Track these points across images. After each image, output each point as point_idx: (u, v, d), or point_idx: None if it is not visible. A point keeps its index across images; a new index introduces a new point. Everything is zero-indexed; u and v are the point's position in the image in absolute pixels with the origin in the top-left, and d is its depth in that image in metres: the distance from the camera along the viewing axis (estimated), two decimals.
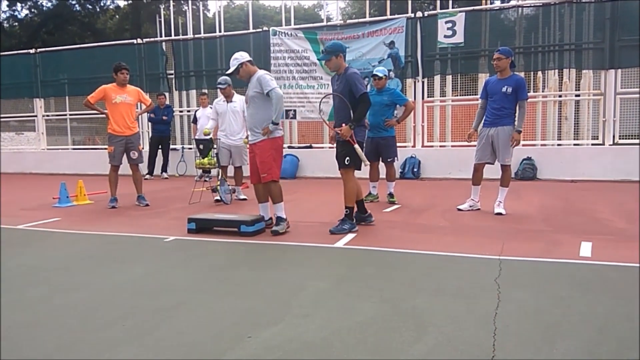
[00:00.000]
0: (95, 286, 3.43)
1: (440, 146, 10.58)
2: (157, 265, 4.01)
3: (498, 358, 2.22)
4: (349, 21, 11.38)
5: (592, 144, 9.63)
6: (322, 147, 11.32)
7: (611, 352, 2.28)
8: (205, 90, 11.26)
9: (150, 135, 11.89)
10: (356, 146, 4.94)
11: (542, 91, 11.02)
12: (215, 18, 14.53)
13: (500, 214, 5.79)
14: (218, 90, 7.55)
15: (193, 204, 7.13)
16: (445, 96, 10.71)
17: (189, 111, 12.34)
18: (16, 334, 2.62)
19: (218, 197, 7.15)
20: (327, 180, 10.15)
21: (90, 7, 31.23)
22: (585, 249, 4.15)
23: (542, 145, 10.26)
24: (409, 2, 11.56)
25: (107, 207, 6.88)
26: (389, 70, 9.77)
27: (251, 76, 5.00)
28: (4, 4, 28.27)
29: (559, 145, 10.35)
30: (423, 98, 10.27)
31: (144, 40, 12.73)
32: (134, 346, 2.45)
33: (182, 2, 24.78)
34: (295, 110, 10.94)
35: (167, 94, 12.01)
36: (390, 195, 6.93)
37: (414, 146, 10.38)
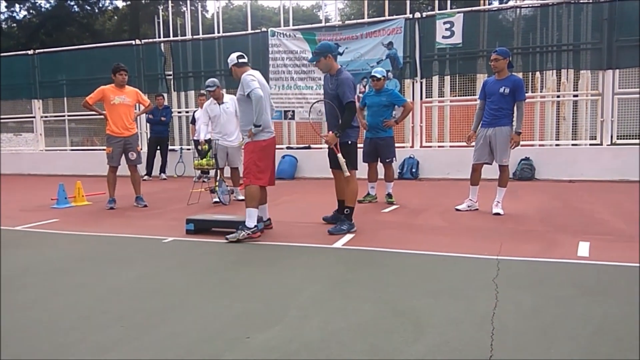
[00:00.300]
0: (93, 287, 3.43)
1: (439, 146, 10.59)
2: (156, 266, 4.01)
3: (496, 358, 2.23)
4: (347, 22, 11.39)
5: (590, 144, 9.65)
6: (321, 148, 11.30)
7: (609, 353, 2.28)
8: (204, 91, 11.25)
9: (148, 136, 11.87)
10: (339, 155, 5.00)
11: (541, 91, 11.04)
12: (214, 19, 14.54)
13: (498, 214, 5.80)
14: (207, 93, 7.51)
15: (191, 204, 7.13)
16: (443, 97, 10.72)
17: (187, 112, 12.34)
18: (14, 335, 2.62)
19: (217, 199, 7.15)
20: (326, 181, 10.13)
21: (88, 8, 31.24)
22: (583, 249, 4.15)
23: (540, 145, 10.27)
24: (407, 3, 11.59)
25: (106, 208, 6.88)
26: (388, 71, 9.78)
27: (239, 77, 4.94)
28: (2, 5, 28.26)
29: (557, 145, 10.37)
30: (421, 99, 10.28)
31: (143, 41, 12.72)
32: (132, 347, 2.45)
33: (181, 3, 24.75)
34: (293, 111, 10.95)
35: (165, 95, 12.00)
36: (389, 195, 6.94)
37: (412, 147, 10.39)
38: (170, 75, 12.28)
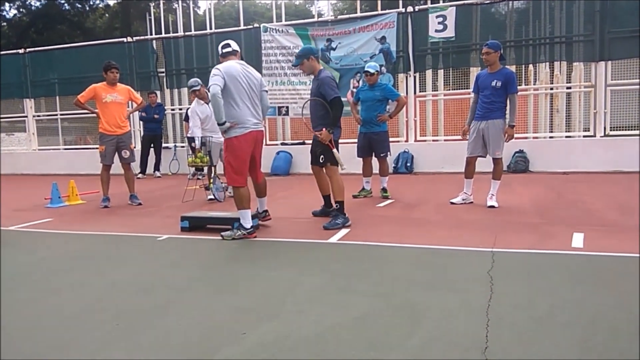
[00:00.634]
0: (88, 286, 3.42)
1: (433, 140, 10.61)
2: (151, 263, 4.00)
3: (491, 350, 2.24)
4: (340, 17, 11.38)
5: (584, 136, 9.69)
6: None
7: (604, 342, 2.30)
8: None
9: (142, 134, 11.82)
10: (334, 150, 5.13)
11: (534, 84, 11.06)
12: (206, 15, 14.47)
13: (492, 206, 5.82)
14: (191, 94, 7.43)
15: (186, 202, 7.11)
16: (437, 90, 10.72)
17: (180, 109, 12.28)
18: (10, 335, 2.60)
19: (211, 196, 7.13)
20: None
21: (79, 6, 30.98)
22: (577, 240, 4.18)
23: (534, 137, 10.31)
24: None
25: (100, 207, 6.85)
26: (381, 66, 9.77)
27: None
28: None
29: (550, 137, 10.41)
30: (415, 93, 10.28)
31: (134, 38, 12.64)
32: (127, 345, 2.44)
33: None
34: (287, 107, 10.92)
35: (158, 92, 11.95)
36: (384, 190, 6.94)
37: (406, 141, 10.39)
38: (162, 72, 12.21)
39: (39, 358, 2.35)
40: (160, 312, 2.87)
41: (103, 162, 6.90)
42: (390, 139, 7.18)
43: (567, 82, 10.65)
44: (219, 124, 4.62)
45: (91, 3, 31.35)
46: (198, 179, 7.42)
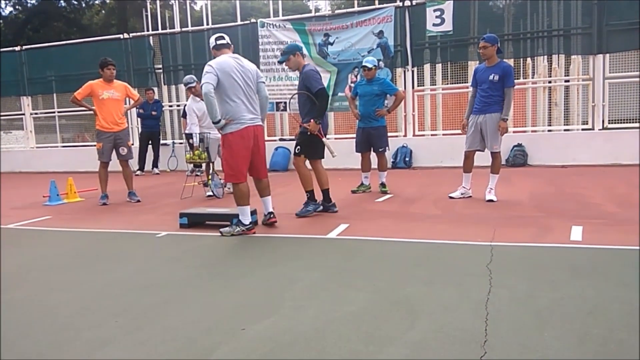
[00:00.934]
0: (87, 284, 3.41)
1: (432, 135, 10.60)
2: (150, 260, 4.00)
3: (490, 343, 2.24)
4: (337, 11, 11.31)
5: (582, 129, 9.69)
6: None
7: (603, 334, 2.30)
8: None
9: (140, 130, 11.80)
10: (325, 139, 5.37)
11: (532, 77, 11.04)
12: (203, 11, 14.40)
13: (491, 200, 5.82)
14: (187, 90, 7.39)
15: (185, 198, 7.11)
16: (435, 85, 10.71)
17: (178, 106, 12.24)
18: (9, 333, 2.60)
19: (210, 192, 7.12)
20: None
21: (75, 2, 30.84)
22: (576, 233, 4.18)
23: (532, 131, 10.30)
24: None
25: (98, 204, 6.84)
26: (379, 60, 9.74)
27: None
28: None
29: (549, 131, 10.40)
30: (413, 87, 10.26)
31: (131, 35, 12.60)
32: (127, 342, 2.44)
33: None
34: (285, 103, 10.89)
35: (155, 89, 11.92)
36: (383, 185, 6.94)
37: (405, 135, 10.38)
38: (159, 68, 12.17)
39: (38, 357, 2.34)
40: (160, 308, 2.87)
41: (101, 159, 6.89)
42: (389, 134, 7.18)
43: (565, 75, 10.64)
44: (213, 122, 4.58)
45: (87, 0, 31.22)
46: (196, 175, 7.41)
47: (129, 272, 3.69)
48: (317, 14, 11.45)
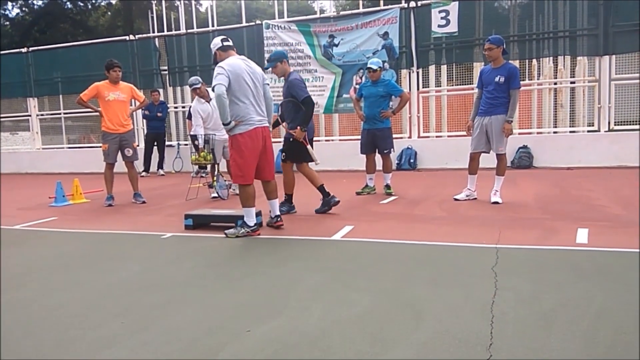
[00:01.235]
0: (93, 284, 3.43)
1: (437, 136, 10.57)
2: (155, 262, 4.01)
3: (496, 345, 2.23)
4: (342, 13, 11.33)
5: (588, 131, 9.64)
6: (318, 140, 11.30)
7: (608, 338, 2.29)
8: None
9: (145, 132, 11.84)
10: (308, 147, 5.54)
11: (537, 79, 10.99)
12: (208, 12, 14.43)
13: (496, 202, 5.80)
14: (192, 92, 7.39)
15: (190, 200, 7.12)
16: (440, 86, 10.68)
17: (183, 107, 12.28)
18: (14, 333, 2.62)
19: (215, 194, 7.13)
20: (323, 173, 10.09)
21: (81, 4, 31.00)
22: (582, 235, 4.16)
23: (538, 133, 10.25)
24: None
25: (104, 205, 6.87)
26: (384, 62, 9.75)
27: None
28: None
29: (555, 132, 10.35)
30: (418, 88, 10.25)
31: (137, 36, 12.65)
32: (132, 342, 2.45)
33: None
34: None
35: (161, 90, 11.95)
36: (387, 186, 6.93)
37: (410, 137, 10.37)
38: (165, 70, 12.22)
39: (41, 357, 2.36)
40: (165, 309, 2.88)
41: (106, 160, 6.92)
42: (394, 135, 7.17)
43: (571, 77, 10.59)
44: (224, 124, 4.56)
45: (93, 1, 31.39)
46: (201, 176, 7.43)
47: (134, 272, 3.70)
48: (322, 15, 11.47)
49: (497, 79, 5.71)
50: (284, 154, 5.70)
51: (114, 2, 31.79)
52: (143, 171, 10.92)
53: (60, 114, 13.46)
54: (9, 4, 28.66)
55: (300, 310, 2.78)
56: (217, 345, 2.38)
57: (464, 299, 2.83)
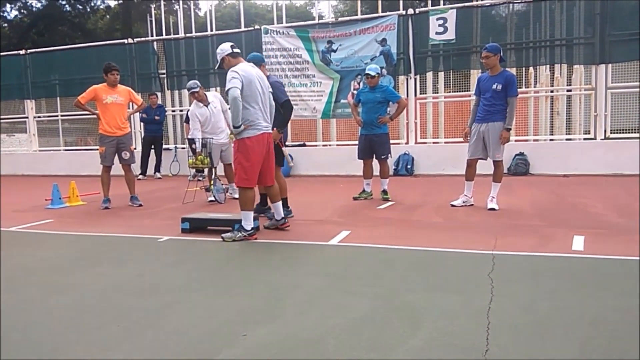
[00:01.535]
0: (89, 287, 3.42)
1: (434, 142, 10.61)
2: (151, 265, 4.00)
3: (492, 352, 2.24)
4: (340, 19, 11.37)
5: (584, 139, 9.69)
6: (316, 145, 11.33)
7: (603, 345, 2.30)
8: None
9: (142, 135, 11.84)
10: (284, 148, 5.76)
11: (534, 86, 11.07)
12: (207, 17, 14.49)
13: (493, 209, 5.81)
14: (190, 96, 7.39)
15: (187, 203, 7.11)
16: (437, 93, 10.73)
17: (181, 111, 12.29)
18: (11, 336, 2.61)
19: (212, 197, 7.13)
20: (321, 178, 10.16)
21: (80, 7, 31.04)
22: (578, 243, 4.18)
23: (534, 140, 10.31)
24: None
25: (100, 208, 6.85)
26: (381, 68, 9.78)
27: None
28: None
29: (551, 140, 10.41)
30: (415, 95, 10.29)
31: (135, 40, 12.65)
32: (128, 346, 2.44)
33: (173, 1, 24.67)
34: None
35: (159, 94, 11.96)
36: (384, 192, 6.94)
37: (407, 143, 10.39)
38: (163, 73, 12.22)
39: (40, 359, 2.35)
40: (161, 313, 2.87)
41: (103, 163, 6.91)
42: (391, 141, 7.19)
43: (567, 85, 10.67)
44: (234, 127, 4.60)
45: (92, 4, 31.42)
46: (199, 180, 7.42)
47: (130, 276, 3.69)
48: (320, 21, 11.50)
49: (494, 86, 5.75)
50: None
51: (112, 5, 31.85)
52: (140, 174, 10.90)
53: (57, 116, 13.43)
54: (8, 5, 28.66)
55: (296, 315, 2.78)
56: (213, 349, 2.38)
57: (460, 305, 2.83)
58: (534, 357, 2.20)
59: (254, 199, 4.78)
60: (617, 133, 9.36)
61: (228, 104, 4.91)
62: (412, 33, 10.04)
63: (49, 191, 7.31)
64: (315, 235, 4.83)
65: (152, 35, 13.88)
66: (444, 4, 10.68)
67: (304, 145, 11.29)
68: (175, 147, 11.85)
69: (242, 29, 11.73)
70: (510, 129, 5.84)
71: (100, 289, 3.37)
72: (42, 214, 6.64)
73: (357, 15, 11.31)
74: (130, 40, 12.52)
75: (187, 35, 12.42)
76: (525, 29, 9.85)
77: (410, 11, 10.15)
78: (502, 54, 5.86)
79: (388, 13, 10.42)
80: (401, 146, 10.28)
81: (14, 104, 13.94)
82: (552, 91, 10.85)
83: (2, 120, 14.12)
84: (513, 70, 9.19)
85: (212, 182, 7.16)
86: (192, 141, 7.21)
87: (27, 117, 13.62)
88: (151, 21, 14.89)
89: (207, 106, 7.15)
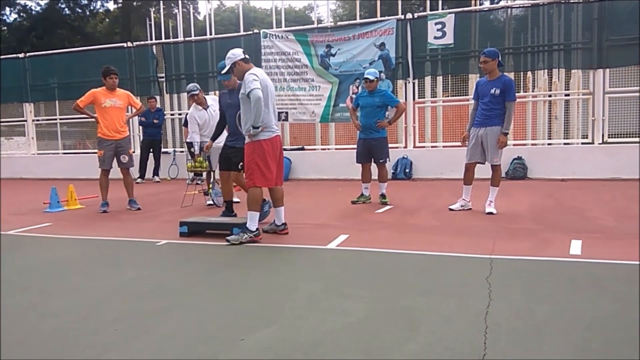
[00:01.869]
0: (87, 290, 3.41)
1: (432, 147, 10.62)
2: (149, 268, 4.00)
3: (489, 356, 2.24)
4: (339, 23, 11.41)
5: (582, 143, 9.71)
6: (314, 149, 11.34)
7: (600, 349, 2.30)
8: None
9: (141, 138, 11.84)
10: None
11: (532, 91, 11.10)
12: (206, 21, 14.52)
13: (491, 213, 5.82)
14: (189, 99, 7.41)
15: (185, 207, 7.11)
16: (436, 97, 10.76)
17: (180, 114, 12.29)
18: (9, 339, 2.60)
19: (210, 201, 7.13)
20: (319, 182, 10.17)
21: (79, 10, 31.11)
22: (575, 247, 4.18)
23: (532, 144, 10.33)
24: (399, 4, 11.61)
25: (99, 212, 6.84)
26: (380, 72, 9.80)
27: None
28: None
29: (549, 144, 10.43)
30: (414, 99, 10.31)
31: (134, 43, 12.68)
32: (126, 350, 2.44)
33: (173, 5, 24.72)
34: (287, 113, 10.94)
35: (157, 98, 11.97)
36: (383, 196, 6.95)
37: (405, 147, 10.41)
38: (162, 77, 12.23)
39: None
40: (159, 317, 2.87)
41: (102, 166, 6.91)
42: (390, 145, 7.20)
43: (565, 89, 10.69)
44: (253, 127, 4.64)
45: (91, 8, 31.48)
46: (197, 184, 7.42)
47: (128, 279, 3.69)
48: (319, 25, 11.55)
49: (492, 91, 5.77)
50: (240, 163, 5.43)
51: (112, 9, 31.90)
52: (138, 178, 10.90)
53: (56, 119, 13.42)
54: (7, 9, 28.70)
55: (294, 319, 2.78)
56: (210, 353, 2.38)
57: (457, 309, 2.84)
58: None
59: (261, 199, 4.88)
60: (615, 137, 9.38)
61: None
62: (410, 37, 10.08)
63: (48, 194, 7.31)
64: (313, 239, 4.83)
65: (151, 39, 13.90)
66: (442, 9, 10.72)
67: (302, 149, 11.30)
68: (174, 151, 11.86)
69: (241, 33, 11.77)
70: (508, 134, 5.86)
71: (97, 293, 3.36)
72: (40, 217, 6.63)
73: (356, 19, 11.35)
74: (129, 44, 12.55)
75: (186, 39, 12.43)
76: (523, 33, 9.89)
77: (409, 16, 10.19)
78: (500, 58, 5.89)
79: (387, 17, 10.47)
80: (399, 150, 10.30)
81: (13, 107, 13.94)
82: (550, 96, 10.88)
83: (0, 124, 14.11)
84: (511, 75, 9.20)
85: (210, 185, 7.16)
86: (190, 145, 7.21)
87: (25, 120, 13.62)
88: (150, 25, 14.91)
89: (206, 109, 7.15)
